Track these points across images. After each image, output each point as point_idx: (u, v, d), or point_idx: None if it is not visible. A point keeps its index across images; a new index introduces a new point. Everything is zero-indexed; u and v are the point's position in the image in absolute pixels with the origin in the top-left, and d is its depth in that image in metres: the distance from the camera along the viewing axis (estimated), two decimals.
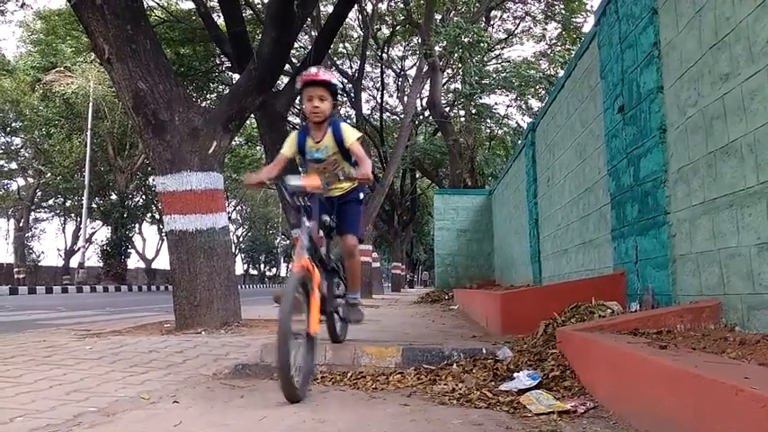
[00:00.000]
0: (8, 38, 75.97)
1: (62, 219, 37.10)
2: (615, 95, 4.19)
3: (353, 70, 18.79)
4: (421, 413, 2.19)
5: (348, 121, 17.71)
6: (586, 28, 15.17)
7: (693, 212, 3.03)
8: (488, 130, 19.14)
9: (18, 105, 26.56)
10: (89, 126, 24.32)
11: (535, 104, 15.85)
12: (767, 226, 2.38)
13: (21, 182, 33.68)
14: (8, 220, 35.94)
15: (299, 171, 6.09)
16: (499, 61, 19.56)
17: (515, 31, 19.77)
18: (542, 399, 2.27)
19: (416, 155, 19.32)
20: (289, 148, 3.10)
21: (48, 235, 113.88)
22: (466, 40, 13.30)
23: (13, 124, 28.76)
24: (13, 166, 31.71)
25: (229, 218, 20.69)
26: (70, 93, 23.72)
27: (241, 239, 54.44)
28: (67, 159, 28.22)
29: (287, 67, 11.12)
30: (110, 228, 28.53)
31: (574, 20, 15.89)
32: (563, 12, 16.02)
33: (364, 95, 20.92)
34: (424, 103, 19.38)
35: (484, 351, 3.01)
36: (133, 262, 35.16)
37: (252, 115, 7.27)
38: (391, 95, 24.32)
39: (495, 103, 23.49)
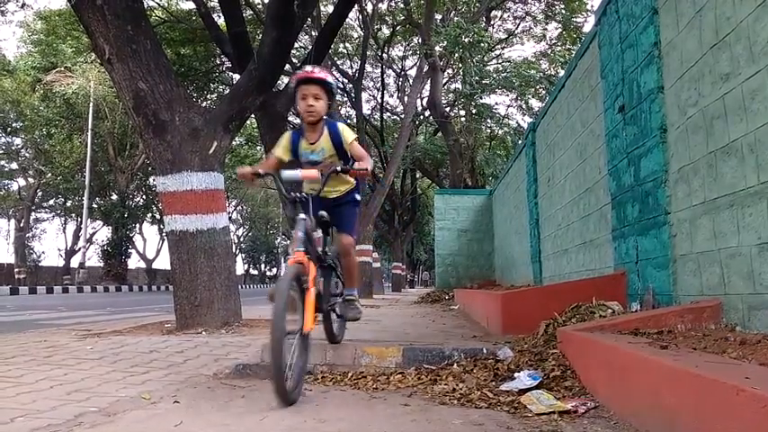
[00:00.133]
0: (8, 38, 76.02)
1: (63, 219, 37.13)
2: (616, 95, 4.19)
3: (354, 70, 18.80)
4: (421, 413, 2.20)
5: (348, 121, 17.75)
6: (587, 28, 15.18)
7: (694, 212, 3.03)
8: (489, 130, 19.11)
9: (19, 105, 26.59)
10: (89, 126, 24.35)
11: (535, 104, 15.85)
12: None
13: (21, 182, 33.77)
14: (9, 221, 36.01)
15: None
16: (499, 61, 19.56)
17: (516, 31, 19.77)
18: (543, 399, 2.27)
19: (417, 155, 19.32)
20: (281, 149, 2.97)
21: (48, 235, 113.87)
22: (466, 40, 13.29)
23: (14, 124, 28.80)
24: (14, 166, 31.77)
25: (230, 218, 20.70)
26: (71, 93, 23.75)
27: (242, 239, 54.46)
28: (68, 159, 28.26)
29: (287, 67, 11.11)
30: (110, 228, 28.58)
31: (574, 20, 15.89)
32: (563, 12, 16.01)
33: (365, 95, 20.99)
34: (424, 103, 19.38)
35: (484, 351, 3.01)
36: (134, 262, 35.28)
37: (252, 115, 7.27)
38: (392, 95, 24.36)
39: (496, 103, 23.57)
